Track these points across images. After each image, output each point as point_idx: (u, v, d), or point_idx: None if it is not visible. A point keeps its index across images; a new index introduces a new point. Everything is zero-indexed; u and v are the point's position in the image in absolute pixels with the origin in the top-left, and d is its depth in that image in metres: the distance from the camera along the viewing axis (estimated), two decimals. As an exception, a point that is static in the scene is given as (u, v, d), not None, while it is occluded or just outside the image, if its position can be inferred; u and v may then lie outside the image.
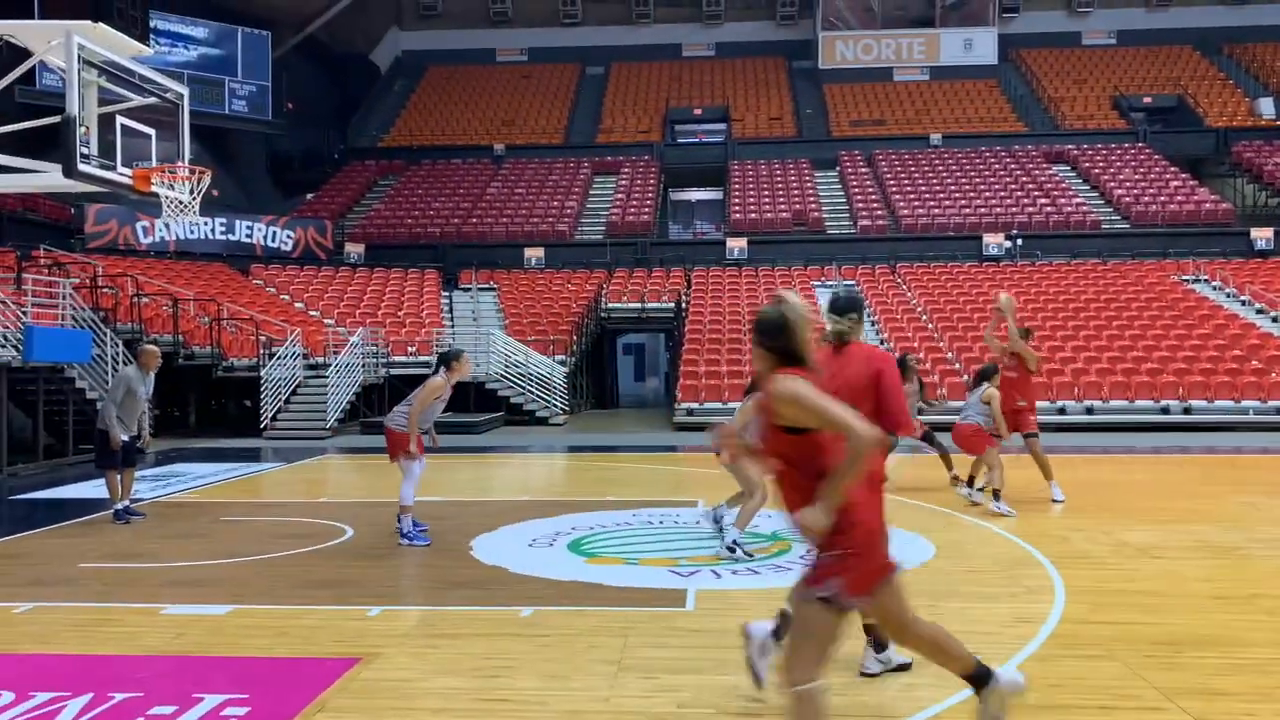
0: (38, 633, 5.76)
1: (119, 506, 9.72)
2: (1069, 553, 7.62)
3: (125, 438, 9.85)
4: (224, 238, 28.29)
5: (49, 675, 4.87)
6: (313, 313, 25.52)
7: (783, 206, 32.12)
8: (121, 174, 9.34)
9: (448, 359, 8.24)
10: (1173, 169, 32.99)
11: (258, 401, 20.19)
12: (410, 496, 8.26)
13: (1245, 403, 19.87)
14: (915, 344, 22.61)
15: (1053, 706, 4.39)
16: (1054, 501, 9.93)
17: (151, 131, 9.89)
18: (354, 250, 30.29)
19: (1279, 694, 4.51)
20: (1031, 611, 5.90)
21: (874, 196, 32.77)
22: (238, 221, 28.72)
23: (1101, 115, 37.39)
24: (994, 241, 29.29)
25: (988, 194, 32.08)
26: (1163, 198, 30.97)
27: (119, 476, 9.80)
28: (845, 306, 4.53)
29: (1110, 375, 20.78)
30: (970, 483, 10.13)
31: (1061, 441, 17.29)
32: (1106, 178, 32.65)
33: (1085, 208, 30.96)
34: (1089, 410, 20.17)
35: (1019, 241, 29.10)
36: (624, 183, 34.62)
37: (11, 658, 5.24)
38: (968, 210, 31.00)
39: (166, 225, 26.35)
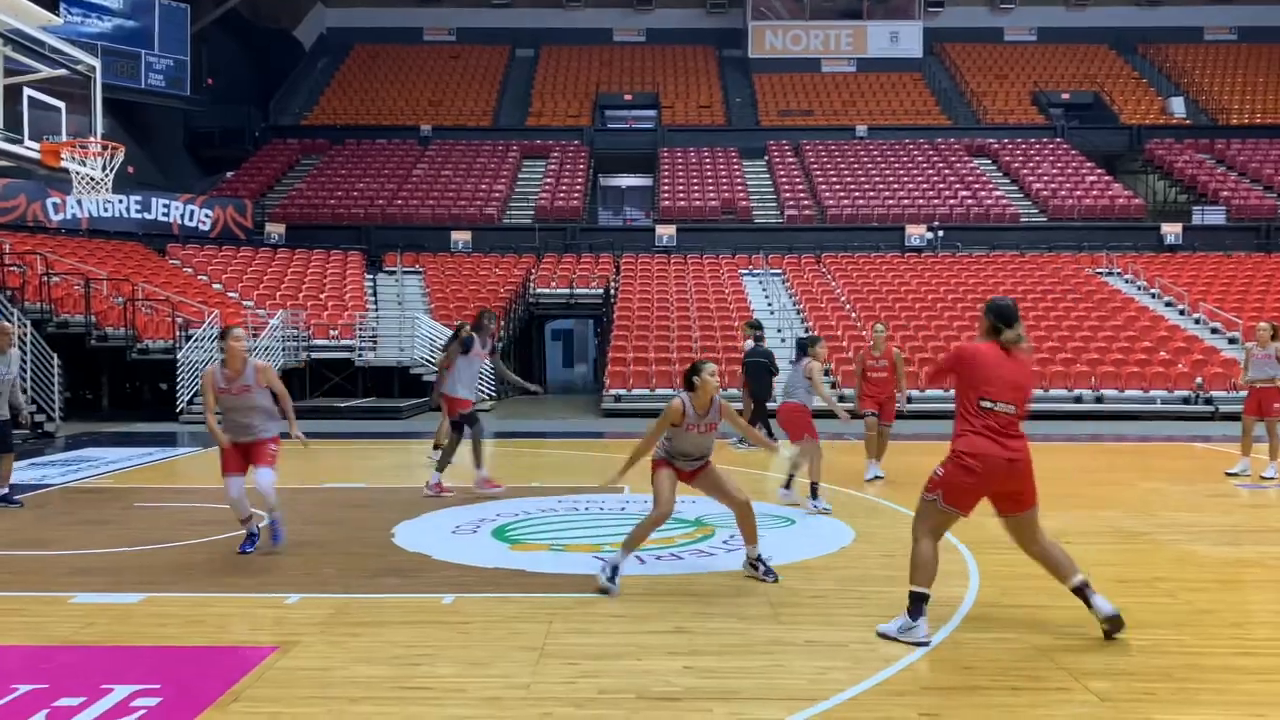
0: (-64, 623, 5.55)
1: (3, 491, 9.26)
2: (983, 538, 7.79)
3: None
4: (139, 216, 27.46)
5: (-52, 667, 4.69)
6: (231, 294, 24.93)
7: (712, 195, 32.27)
8: (29, 148, 9.02)
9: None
10: (1089, 164, 33.93)
11: (174, 385, 19.68)
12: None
13: (1153, 392, 20.57)
14: (839, 333, 22.93)
15: (966, 688, 4.50)
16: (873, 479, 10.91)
17: (61, 105, 9.57)
18: (275, 231, 29.65)
19: (1177, 673, 4.69)
20: (946, 595, 6.04)
21: (801, 186, 33.11)
22: (154, 200, 27.88)
23: (1022, 110, 38.26)
24: (916, 233, 29.82)
25: (911, 186, 32.63)
26: (1079, 192, 31.84)
27: None
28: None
29: (1026, 365, 21.32)
30: (807, 491, 9.23)
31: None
32: (1025, 172, 33.45)
33: (1005, 201, 31.68)
34: (1006, 399, 20.64)
35: (940, 233, 29.68)
36: (554, 167, 34.44)
37: (-92, 649, 5.04)
38: (891, 202, 31.50)
39: (79, 202, 25.46)
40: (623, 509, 9.23)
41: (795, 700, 4.32)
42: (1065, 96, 39.00)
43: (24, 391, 9.95)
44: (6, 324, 9.77)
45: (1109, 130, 36.50)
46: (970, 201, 31.44)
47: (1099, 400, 20.54)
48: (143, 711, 4.18)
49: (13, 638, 5.26)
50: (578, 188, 32.88)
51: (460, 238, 29.85)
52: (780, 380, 12.43)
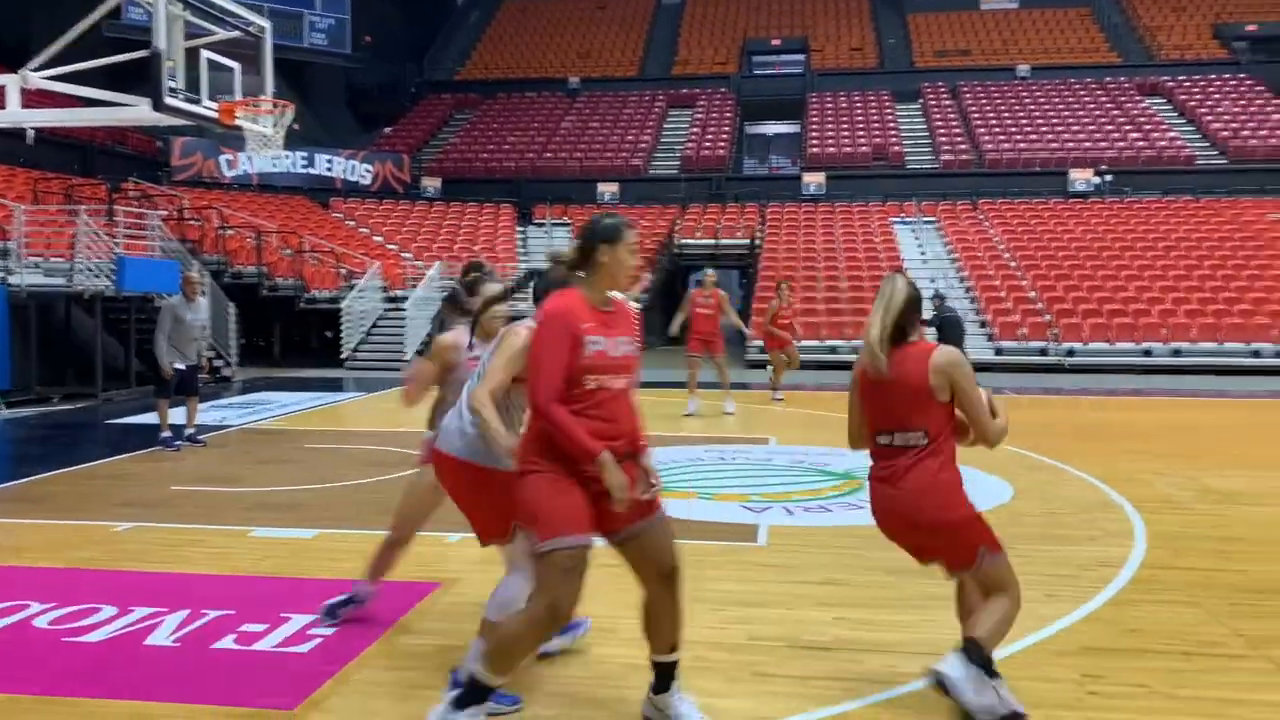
0: (136, 551, 6.03)
1: (165, 435, 9.75)
2: (1151, 497, 7.47)
3: (181, 366, 9.81)
4: (304, 171, 28.70)
5: (147, 591, 5.10)
6: (391, 246, 25.85)
7: (862, 140, 31.43)
8: (207, 107, 9.52)
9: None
10: (1276, 101, 31.43)
11: (339, 333, 20.62)
12: None
13: (1344, 347, 19.12)
14: (997, 283, 22.11)
15: (1131, 650, 4.34)
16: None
17: (235, 65, 10.04)
18: (430, 184, 30.51)
19: (1369, 645, 4.40)
20: (1111, 555, 5.82)
21: (957, 130, 31.87)
22: (318, 155, 29.08)
23: (1201, 45, 35.66)
24: (1081, 178, 28.34)
25: (1076, 128, 30.96)
26: (1263, 131, 29.57)
27: (174, 405, 9.84)
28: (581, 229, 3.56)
29: (1200, 317, 20.13)
30: None
31: (1147, 384, 16.88)
32: (1204, 110, 31.25)
33: (1180, 142, 29.73)
34: (1176, 352, 19.60)
35: (1108, 178, 28.11)
36: (699, 116, 34.17)
37: (113, 574, 5.49)
38: (1055, 145, 29.99)
39: (249, 158, 26.79)
40: (769, 460, 9.21)
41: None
42: (1252, 28, 36.11)
43: (205, 339, 10.61)
44: (195, 275, 10.43)
45: (1300, 63, 33.67)
46: (1141, 143, 29.63)
47: (1279, 355, 19.22)
48: (319, 640, 4.44)
49: (201, 566, 5.67)
50: (724, 137, 32.55)
51: (607, 189, 30.04)
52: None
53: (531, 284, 4.04)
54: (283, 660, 4.23)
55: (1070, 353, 19.80)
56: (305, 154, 28.73)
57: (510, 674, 3.48)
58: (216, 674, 4.07)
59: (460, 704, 3.41)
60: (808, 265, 24.13)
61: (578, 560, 3.35)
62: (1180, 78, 33.60)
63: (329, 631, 4.52)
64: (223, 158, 27.13)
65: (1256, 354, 19.35)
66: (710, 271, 13.93)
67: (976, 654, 3.51)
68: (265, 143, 10.01)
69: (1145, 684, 3.96)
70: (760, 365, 20.10)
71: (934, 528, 3.64)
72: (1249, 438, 10.85)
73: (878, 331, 3.70)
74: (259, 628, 4.57)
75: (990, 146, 30.23)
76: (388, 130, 35.40)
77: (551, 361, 3.31)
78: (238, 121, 9.75)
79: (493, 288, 4.27)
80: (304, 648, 4.35)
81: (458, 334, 4.44)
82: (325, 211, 27.60)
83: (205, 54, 9.58)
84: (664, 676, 3.59)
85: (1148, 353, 19.67)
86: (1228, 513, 7.03)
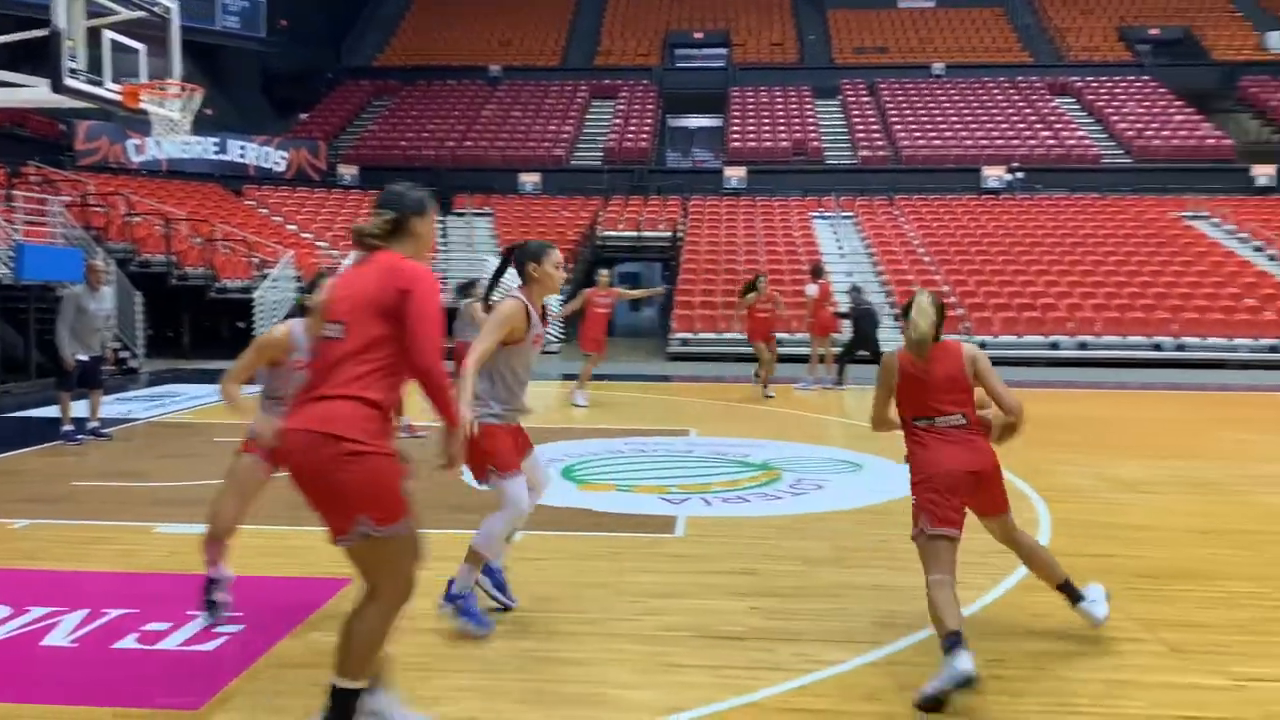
0: (33, 549, 5.82)
1: (67, 429, 9.46)
2: (1056, 486, 7.70)
3: (84, 357, 9.52)
4: (217, 157, 27.96)
5: (45, 590, 4.92)
6: (306, 235, 25.34)
7: (783, 135, 31.76)
8: (110, 90, 9.21)
9: (521, 260, 4.82)
10: (1177, 103, 32.61)
11: (251, 324, 20.14)
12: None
13: (1238, 340, 19.93)
14: (911, 277, 22.54)
15: (1033, 634, 4.47)
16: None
17: (141, 47, 9.73)
18: (347, 172, 29.98)
19: (1254, 626, 4.60)
20: (1016, 543, 5.97)
21: (875, 127, 32.40)
22: (230, 141, 28.35)
23: (1107, 47, 36.82)
24: (994, 174, 29.06)
25: (989, 126, 31.73)
26: (1165, 132, 30.68)
27: (76, 398, 9.57)
28: (384, 201, 3.50)
29: (1105, 311, 20.80)
30: None
31: (1054, 376, 17.38)
32: (1110, 111, 32.29)
33: (1087, 141, 30.67)
34: (1082, 345, 20.23)
35: (1019, 175, 28.88)
36: (622, 107, 34.17)
37: (8, 573, 5.29)
38: (969, 142, 30.69)
39: (158, 143, 26.00)
40: (689, 452, 9.27)
41: (859, 643, 4.33)
42: (1154, 32, 37.41)
43: (109, 329, 10.27)
44: (100, 263, 10.08)
45: (1200, 67, 34.97)
46: (1051, 142, 30.49)
47: (1180, 348, 19.96)
48: (225, 638, 4.34)
49: (103, 564, 5.49)
50: (646, 129, 32.60)
51: (529, 179, 29.87)
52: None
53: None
54: (188, 659, 4.13)
55: (982, 345, 20.23)
56: (217, 140, 27.98)
57: (369, 672, 3.32)
58: (118, 674, 3.95)
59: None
60: (729, 259, 24.31)
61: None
62: (1088, 78, 34.64)
63: (237, 629, 4.42)
64: (130, 142, 26.28)
65: (1158, 347, 20.07)
66: (604, 271, 14.13)
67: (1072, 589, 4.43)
68: (172, 127, 9.73)
69: (1046, 667, 4.08)
70: (682, 357, 20.22)
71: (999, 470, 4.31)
72: (1149, 428, 11.25)
73: (926, 329, 4.14)
74: (163, 626, 4.44)
75: (907, 143, 30.80)
76: (304, 117, 34.68)
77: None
78: (143, 105, 9.45)
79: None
80: (210, 645, 4.26)
81: (290, 328, 4.50)
82: (238, 199, 26.94)
83: (108, 34, 9.26)
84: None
85: (1055, 345, 20.26)
86: (1128, 501, 7.29)
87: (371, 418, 3.26)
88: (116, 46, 9.38)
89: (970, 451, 4.17)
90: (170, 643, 4.28)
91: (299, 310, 4.61)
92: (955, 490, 4.14)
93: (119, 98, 9.27)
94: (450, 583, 4.50)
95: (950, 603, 3.93)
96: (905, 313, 4.28)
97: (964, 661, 3.65)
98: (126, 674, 3.96)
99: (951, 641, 3.75)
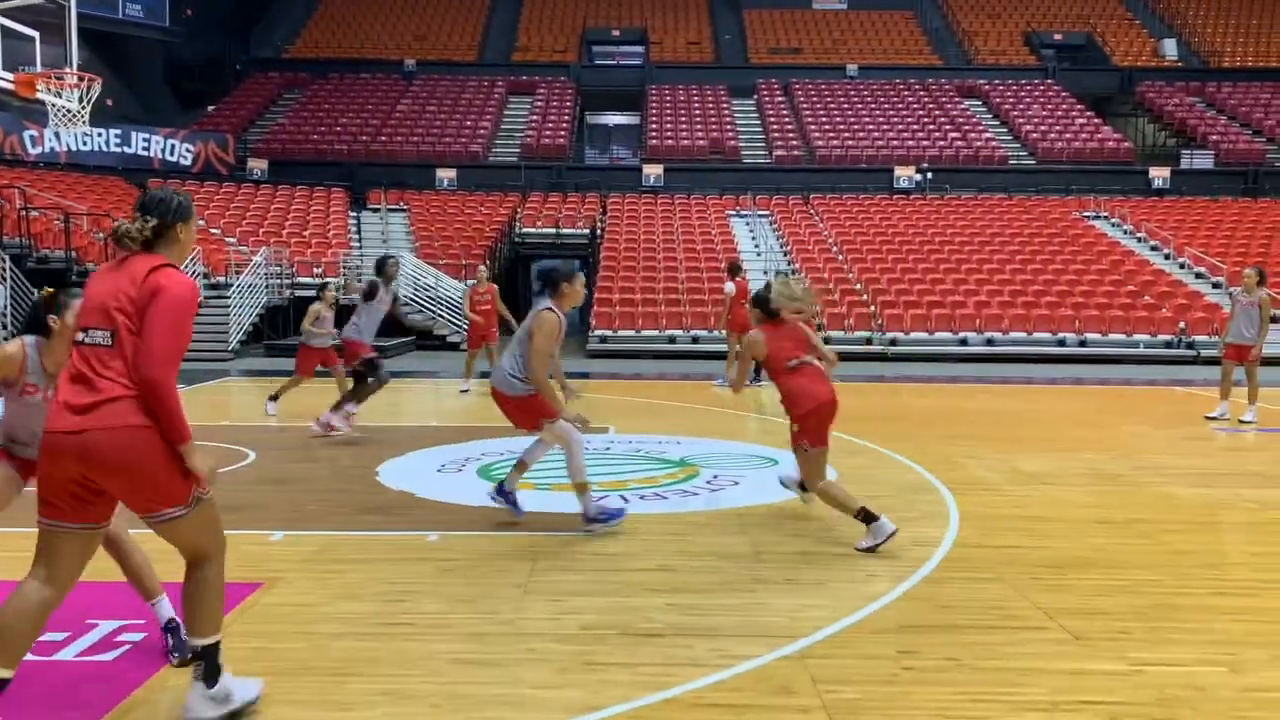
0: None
1: None
2: (965, 479, 7.89)
3: None
4: (119, 150, 27.04)
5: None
6: (214, 231, 24.66)
7: (700, 134, 31.95)
8: (2, 78, 8.82)
9: (556, 280, 6.17)
10: (1079, 107, 33.69)
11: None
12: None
13: (1137, 336, 20.67)
14: (825, 275, 22.88)
15: (944, 626, 4.57)
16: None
17: (35, 34, 9.35)
18: (257, 166, 29.25)
19: (1152, 612, 4.77)
20: (927, 535, 6.11)
21: (790, 126, 32.80)
22: (134, 133, 27.44)
23: (1014, 51, 37.86)
24: (905, 175, 29.66)
25: (901, 127, 32.37)
26: (1068, 135, 31.67)
27: None
28: (142, 205, 3.60)
29: (1011, 308, 21.38)
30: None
31: (963, 371, 17.81)
32: (1016, 114, 33.20)
33: (994, 143, 31.49)
34: (989, 341, 20.76)
35: (929, 175, 29.53)
36: (540, 104, 33.99)
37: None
38: (881, 143, 31.27)
39: (56, 135, 25.04)
40: (607, 449, 9.26)
41: (776, 638, 4.38)
42: (1058, 37, 38.60)
43: (4, 328, 9.86)
44: None
45: (1100, 72, 36.22)
46: (960, 143, 31.24)
47: (1082, 344, 20.63)
48: (127, 646, 4.20)
49: (-4, 573, 5.26)
50: (564, 125, 32.50)
51: (445, 175, 29.53)
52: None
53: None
54: (87, 670, 3.98)
55: (893, 342, 20.70)
56: (119, 132, 27.06)
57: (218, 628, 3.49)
58: (12, 688, 3.79)
59: (210, 680, 3.45)
60: (648, 256, 24.38)
61: None
62: (995, 81, 35.57)
63: (139, 637, 4.28)
64: (27, 133, 25.25)
65: (1062, 343, 20.71)
66: (482, 267, 14.94)
67: None
68: (70, 118, 9.38)
69: (956, 657, 4.17)
70: (602, 354, 20.22)
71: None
72: (1054, 421, 11.60)
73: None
74: (59, 636, 4.28)
75: (821, 143, 31.25)
76: (211, 109, 33.72)
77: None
78: (38, 95, 9.08)
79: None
80: (110, 655, 4.11)
81: (19, 346, 4.09)
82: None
83: (1, 20, 8.88)
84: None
85: (964, 342, 20.77)
86: (1033, 493, 7.50)
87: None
88: (10, 34, 9.01)
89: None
90: (68, 653, 4.13)
91: (35, 328, 4.12)
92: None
93: (11, 86, 8.90)
94: (584, 517, 6.15)
95: (846, 492, 5.92)
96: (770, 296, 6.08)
97: (887, 524, 5.63)
98: (20, 688, 3.80)
99: (866, 515, 5.66)
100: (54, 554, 3.41)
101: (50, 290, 4.16)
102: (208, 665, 3.45)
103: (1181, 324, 20.64)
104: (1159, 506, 7.09)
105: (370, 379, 9.93)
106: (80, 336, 3.35)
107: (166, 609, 4.11)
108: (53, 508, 3.36)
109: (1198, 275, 23.73)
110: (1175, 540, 6.15)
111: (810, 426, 5.93)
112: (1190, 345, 20.25)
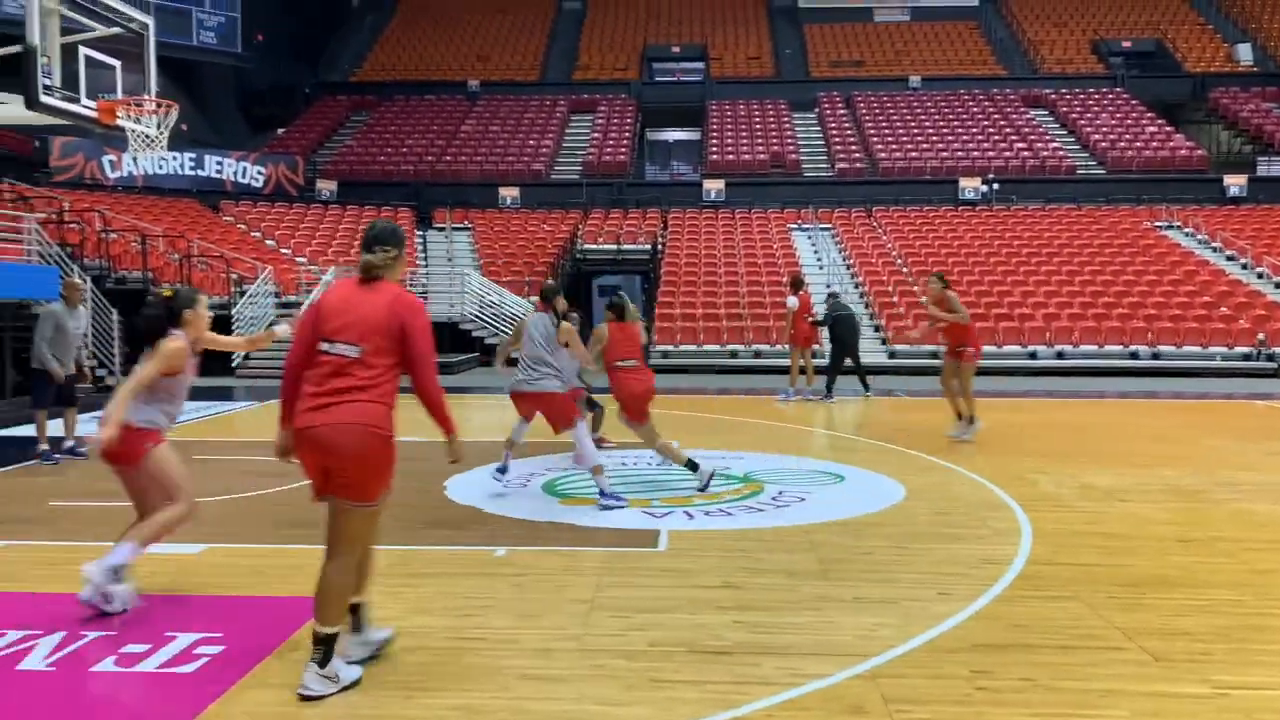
0: (8, 572, 5.74)
1: (43, 448, 9.38)
2: (1036, 495, 7.74)
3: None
4: (193, 173, 27.82)
5: (20, 613, 4.86)
6: (284, 250, 25.23)
7: (760, 148, 31.90)
8: (86, 106, 9.15)
9: (549, 294, 8.11)
10: (1149, 114, 33.00)
11: (229, 340, 19.98)
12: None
13: (1212, 349, 20.14)
14: (889, 288, 22.65)
15: (1018, 645, 4.48)
16: None
17: (116, 63, 9.68)
18: (326, 187, 29.89)
19: (1235, 633, 4.62)
20: (998, 553, 6.00)
21: (852, 139, 32.61)
22: (207, 157, 28.23)
23: (1081, 59, 37.25)
24: (970, 186, 29.29)
25: (965, 138, 32.00)
26: (1138, 144, 31.02)
27: (52, 417, 9.51)
28: (381, 238, 4.09)
29: (1081, 320, 20.96)
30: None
31: (1032, 385, 17.49)
32: (1084, 123, 32.62)
33: (1061, 153, 30.96)
34: (1060, 355, 20.37)
35: (995, 186, 29.12)
36: (601, 121, 34.24)
37: (-18, 596, 5.22)
38: (945, 154, 30.93)
39: (134, 160, 25.86)
40: (670, 464, 9.24)
41: (845, 656, 4.33)
42: (1126, 45, 37.88)
43: (84, 346, 10.17)
44: (78, 280, 9.99)
45: (1171, 79, 35.44)
46: (1026, 153, 30.77)
47: (1155, 356, 20.14)
48: (206, 659, 4.29)
49: (81, 586, 5.41)
50: (625, 142, 32.68)
51: (508, 194, 29.87)
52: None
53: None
54: (167, 681, 4.08)
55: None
56: (194, 155, 27.86)
57: (341, 619, 4.00)
58: (96, 698, 3.90)
59: (323, 663, 3.91)
60: (709, 271, 24.37)
61: None
62: (1062, 90, 35.01)
63: (216, 650, 4.37)
64: (106, 159, 26.13)
65: (1134, 355, 20.25)
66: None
67: None
68: (148, 143, 9.67)
69: (1031, 678, 4.08)
70: (664, 370, 20.22)
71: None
72: (1127, 436, 11.33)
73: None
74: (142, 648, 4.39)
75: (883, 155, 31.00)
76: (281, 132, 34.57)
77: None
78: (119, 121, 9.39)
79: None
80: (189, 668, 4.20)
81: (181, 341, 5.11)
82: (215, 215, 26.80)
83: (84, 50, 9.20)
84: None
85: (1033, 355, 20.40)
86: (1106, 509, 7.32)
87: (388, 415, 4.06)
88: (92, 63, 9.34)
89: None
90: (149, 664, 4.22)
91: (171, 322, 5.18)
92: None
93: (94, 114, 9.22)
94: (601, 494, 7.22)
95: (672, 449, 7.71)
96: None
97: (707, 463, 7.75)
98: (104, 697, 3.91)
99: (691, 463, 7.63)
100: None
101: (169, 291, 5.13)
102: (325, 651, 3.90)
103: (1261, 335, 20.05)
104: (1240, 524, 6.88)
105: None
106: (325, 346, 3.97)
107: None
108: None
109: (1277, 285, 23.04)
110: (1258, 559, 5.96)
111: None
112: (1270, 357, 19.67)
